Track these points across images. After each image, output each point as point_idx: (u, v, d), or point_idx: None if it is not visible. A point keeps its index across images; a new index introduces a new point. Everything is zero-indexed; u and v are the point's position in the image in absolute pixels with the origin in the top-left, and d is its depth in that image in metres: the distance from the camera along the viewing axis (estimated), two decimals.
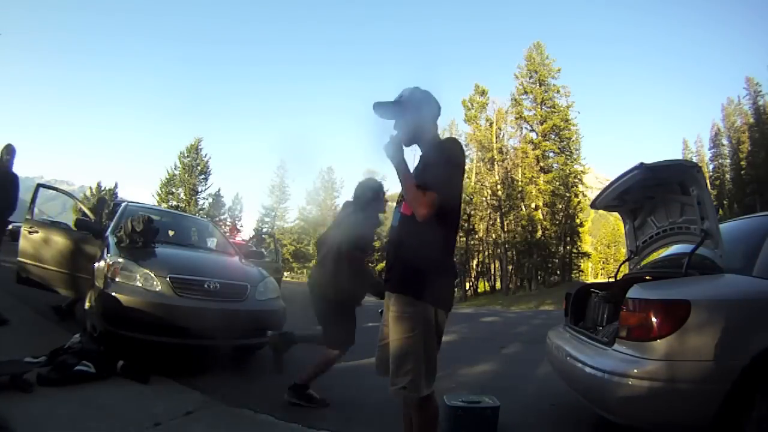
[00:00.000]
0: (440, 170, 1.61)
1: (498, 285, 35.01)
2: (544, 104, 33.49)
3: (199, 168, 38.05)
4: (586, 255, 37.92)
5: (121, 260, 3.46)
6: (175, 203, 36.05)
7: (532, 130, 34.06)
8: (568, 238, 32.96)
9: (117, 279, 3.31)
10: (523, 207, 33.23)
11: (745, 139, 33.80)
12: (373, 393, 3.00)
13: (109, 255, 3.59)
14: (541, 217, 32.64)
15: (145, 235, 3.84)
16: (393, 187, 4.50)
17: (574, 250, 33.69)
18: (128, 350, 3.16)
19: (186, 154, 38.04)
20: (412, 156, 1.98)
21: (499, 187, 33.66)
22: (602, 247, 54.43)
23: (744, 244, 2.45)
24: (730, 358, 1.93)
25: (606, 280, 3.49)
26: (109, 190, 41.23)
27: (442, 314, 1.63)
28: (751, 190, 31.16)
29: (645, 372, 1.98)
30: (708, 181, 3.06)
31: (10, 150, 4.86)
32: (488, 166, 34.30)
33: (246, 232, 36.21)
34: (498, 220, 33.88)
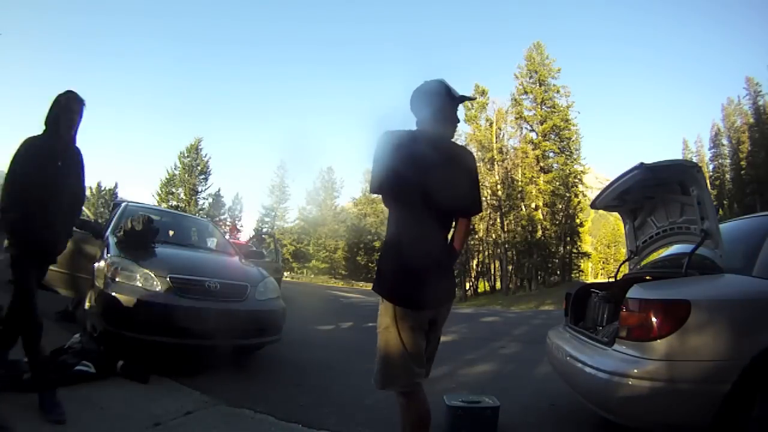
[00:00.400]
0: None
1: (498, 285, 34.97)
2: (544, 104, 33.46)
3: (199, 168, 38.01)
4: (586, 255, 37.90)
5: (121, 260, 3.46)
6: (175, 203, 36.00)
7: (532, 130, 34.04)
8: (568, 238, 32.94)
9: (117, 279, 3.32)
10: (523, 207, 33.20)
11: (745, 139, 33.74)
12: (373, 393, 2.99)
13: (109, 255, 3.59)
14: (541, 217, 32.62)
15: (145, 235, 3.85)
16: None
17: (574, 250, 33.68)
18: (128, 350, 3.16)
19: (186, 154, 38.00)
20: None
21: (499, 187, 33.62)
22: (602, 247, 54.36)
23: (744, 244, 2.46)
24: (730, 358, 1.93)
25: (606, 280, 3.49)
26: (109, 190, 41.21)
27: (402, 312, 1.61)
28: (751, 190, 31.12)
29: (645, 372, 1.98)
30: (708, 181, 3.06)
31: (71, 102, 2.46)
32: (488, 166, 34.24)
33: (246, 232, 36.25)
34: (498, 220, 33.83)
